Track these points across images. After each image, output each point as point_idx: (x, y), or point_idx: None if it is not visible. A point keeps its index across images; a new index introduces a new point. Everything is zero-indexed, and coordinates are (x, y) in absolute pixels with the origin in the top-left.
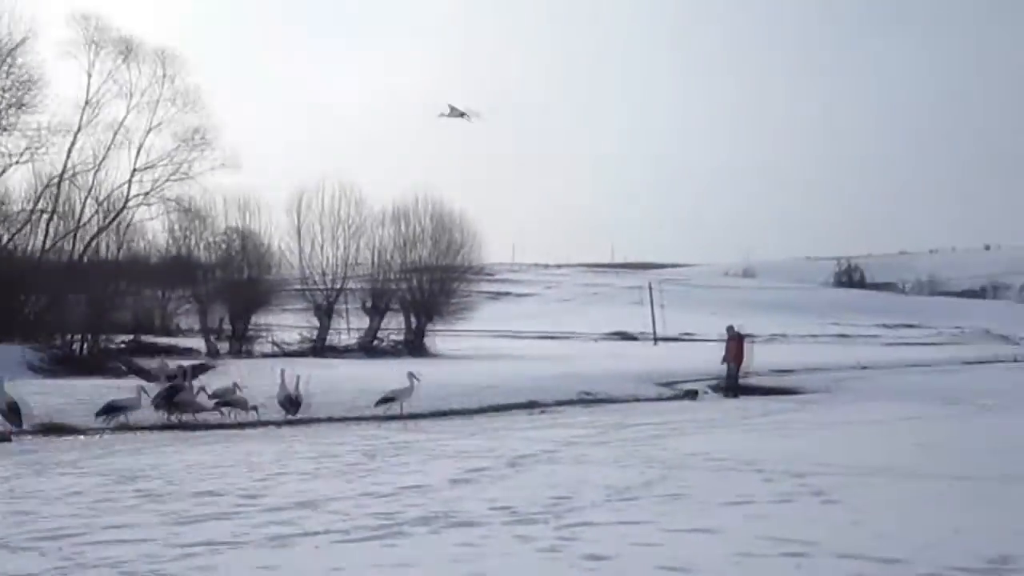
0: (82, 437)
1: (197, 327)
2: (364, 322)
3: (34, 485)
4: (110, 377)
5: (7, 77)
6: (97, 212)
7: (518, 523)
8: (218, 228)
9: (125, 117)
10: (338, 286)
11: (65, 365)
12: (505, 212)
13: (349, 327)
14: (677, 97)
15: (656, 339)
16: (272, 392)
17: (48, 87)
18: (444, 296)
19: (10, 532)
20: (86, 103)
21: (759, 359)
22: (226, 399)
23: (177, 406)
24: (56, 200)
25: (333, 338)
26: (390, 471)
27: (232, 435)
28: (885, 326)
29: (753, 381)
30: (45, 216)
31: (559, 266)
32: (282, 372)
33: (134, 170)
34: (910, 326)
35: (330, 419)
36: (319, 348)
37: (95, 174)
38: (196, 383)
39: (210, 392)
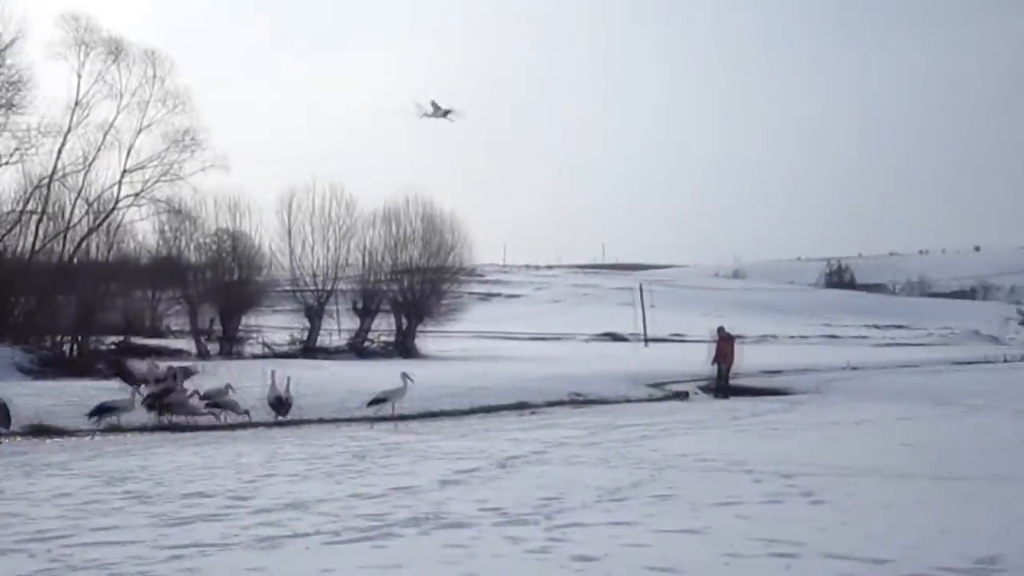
0: (72, 439)
1: (187, 328)
2: (354, 323)
3: (23, 487)
4: (100, 379)
5: None
6: (87, 213)
7: (508, 524)
8: (208, 229)
9: (115, 118)
10: (328, 287)
11: (54, 366)
12: (495, 213)
13: (339, 328)
14: (667, 98)
15: (646, 340)
16: (262, 393)
17: (37, 88)
18: (434, 297)
19: None
20: (76, 104)
21: (749, 360)
22: (217, 401)
23: (168, 407)
24: (46, 201)
25: (323, 339)
26: (380, 472)
27: (222, 436)
28: (875, 327)
29: (743, 382)
30: (35, 217)
31: (549, 267)
32: (272, 373)
33: (124, 171)
34: (900, 327)
35: (320, 420)
36: (309, 349)
37: (85, 175)
38: (188, 384)
39: (202, 393)
